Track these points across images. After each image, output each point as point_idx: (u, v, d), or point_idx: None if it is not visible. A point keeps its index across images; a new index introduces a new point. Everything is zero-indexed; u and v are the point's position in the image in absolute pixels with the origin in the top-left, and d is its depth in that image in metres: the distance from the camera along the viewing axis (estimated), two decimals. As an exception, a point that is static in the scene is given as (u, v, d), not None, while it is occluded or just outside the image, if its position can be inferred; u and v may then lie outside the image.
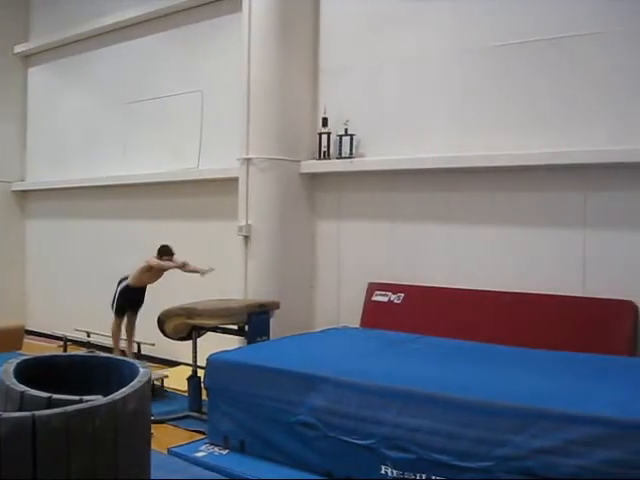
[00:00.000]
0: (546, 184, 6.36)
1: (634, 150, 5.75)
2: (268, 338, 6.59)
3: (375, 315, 7.03)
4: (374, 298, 7.12)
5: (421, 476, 4.33)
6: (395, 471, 4.44)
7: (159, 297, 7.60)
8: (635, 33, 5.91)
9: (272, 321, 6.76)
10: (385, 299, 7.03)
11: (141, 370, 2.72)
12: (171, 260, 7.71)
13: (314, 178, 7.77)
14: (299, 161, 7.60)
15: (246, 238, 7.46)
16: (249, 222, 7.39)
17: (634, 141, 5.80)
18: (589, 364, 5.14)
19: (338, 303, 7.60)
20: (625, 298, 5.89)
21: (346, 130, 7.41)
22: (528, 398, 4.22)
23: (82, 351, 8.86)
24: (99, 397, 2.37)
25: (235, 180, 7.67)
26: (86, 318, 9.77)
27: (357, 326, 7.08)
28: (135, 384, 2.53)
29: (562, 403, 4.11)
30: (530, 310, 6.20)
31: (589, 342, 5.80)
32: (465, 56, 6.78)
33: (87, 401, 2.32)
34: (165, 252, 7.72)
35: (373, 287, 7.19)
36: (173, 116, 9.20)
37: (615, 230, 6.05)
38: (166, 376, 7.39)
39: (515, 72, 6.52)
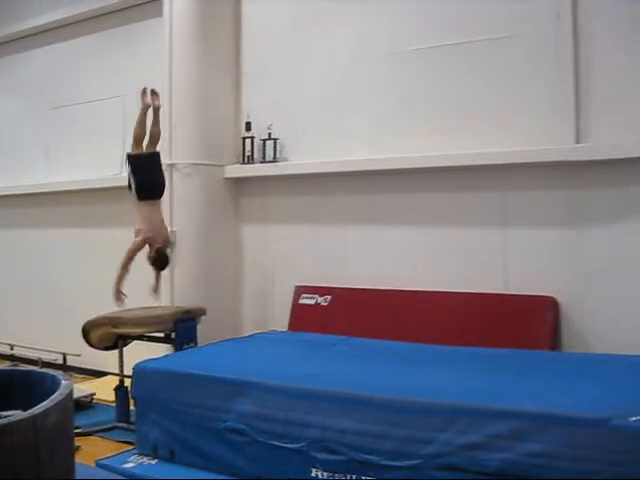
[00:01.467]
0: (467, 184, 6.49)
1: (548, 150, 5.93)
2: (195, 345, 6.53)
3: (303, 318, 7.05)
4: (301, 301, 7.15)
5: (351, 477, 4.36)
6: (325, 473, 4.45)
7: (82, 307, 7.45)
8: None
9: (199, 327, 6.71)
10: (312, 302, 7.06)
11: (63, 382, 2.67)
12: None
13: (239, 183, 7.75)
14: (223, 166, 7.58)
15: (171, 244, 7.38)
16: (174, 228, 7.33)
17: (548, 141, 5.98)
18: (512, 360, 5.25)
19: (266, 307, 7.60)
20: (546, 294, 6.07)
21: (270, 134, 7.42)
22: (452, 395, 4.29)
23: (5, 364, 8.65)
24: (18, 412, 2.31)
25: (160, 185, 7.58)
26: (9, 330, 9.52)
27: (285, 330, 7.09)
28: (56, 397, 2.48)
29: (485, 399, 4.20)
30: (454, 308, 6.32)
31: (512, 338, 5.92)
32: (386, 59, 6.87)
33: (5, 417, 2.26)
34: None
35: (300, 290, 7.21)
36: (97, 122, 9.04)
37: (534, 228, 6.22)
38: (93, 394, 7.26)
39: (435, 74, 6.64)
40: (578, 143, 5.94)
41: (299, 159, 7.31)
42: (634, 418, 3.75)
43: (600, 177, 5.92)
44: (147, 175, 6.56)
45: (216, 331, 6.86)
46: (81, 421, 6.16)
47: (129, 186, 6.58)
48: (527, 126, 6.17)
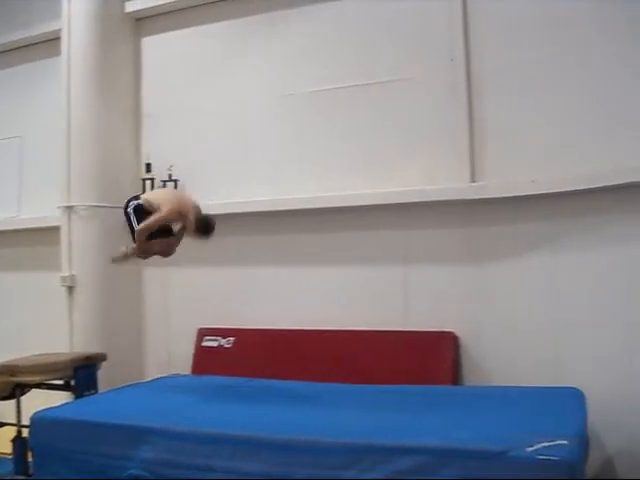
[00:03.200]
0: (368, 223, 6.62)
1: (445, 189, 6.13)
2: (96, 392, 6.35)
3: (206, 361, 6.96)
4: (204, 344, 7.06)
5: (256, 520, 4.32)
6: (232, 518, 4.39)
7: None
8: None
9: (100, 373, 6.54)
10: (215, 344, 6.99)
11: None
12: None
13: (140, 224, 7.64)
14: (123, 208, 7.47)
15: (70, 289, 7.21)
16: (73, 272, 7.15)
17: (445, 181, 6.16)
18: (414, 395, 5.32)
19: (169, 351, 7.48)
20: (446, 329, 6.20)
21: (170, 175, 7.38)
22: (356, 433, 4.31)
23: None
24: None
25: (57, 229, 7.42)
26: None
27: (189, 373, 6.99)
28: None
29: (388, 436, 4.24)
30: (356, 346, 6.37)
31: (415, 374, 6.02)
32: (287, 100, 6.99)
33: None
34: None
35: (202, 332, 7.13)
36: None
37: (434, 265, 6.37)
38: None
39: (334, 115, 6.80)
40: (474, 182, 6.14)
41: (201, 200, 7.25)
42: (531, 448, 3.86)
43: (495, 214, 6.13)
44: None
45: (118, 377, 6.69)
46: (-24, 475, 5.89)
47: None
48: (425, 166, 6.35)
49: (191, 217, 5.52)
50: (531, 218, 6.00)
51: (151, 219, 5.40)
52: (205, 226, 5.61)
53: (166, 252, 5.79)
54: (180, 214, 5.55)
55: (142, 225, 5.38)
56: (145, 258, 5.87)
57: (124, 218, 5.58)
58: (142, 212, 5.47)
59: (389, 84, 6.56)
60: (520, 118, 6.05)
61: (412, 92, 6.47)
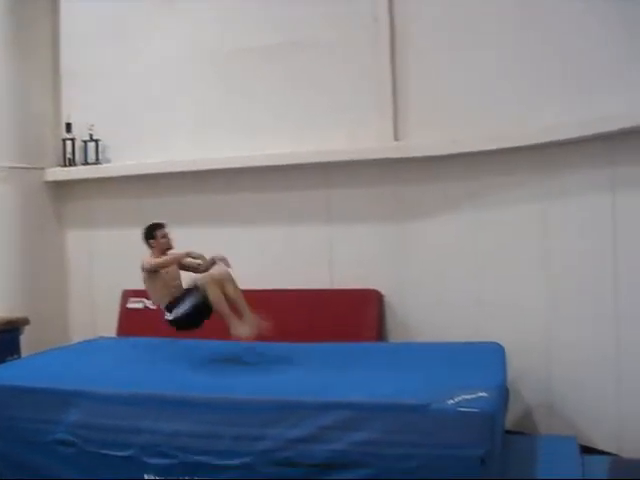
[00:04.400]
0: (291, 184, 6.65)
1: (368, 148, 6.19)
2: (19, 356, 6.27)
3: (131, 323, 6.92)
4: (129, 305, 7.02)
5: (184, 478, 4.33)
6: (157, 478, 4.39)
7: None
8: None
9: (23, 338, 6.44)
10: (140, 306, 6.94)
11: None
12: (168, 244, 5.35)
13: (60, 186, 7.50)
14: (43, 169, 7.30)
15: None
16: (-10, 234, 6.99)
17: (369, 141, 6.21)
18: (339, 353, 5.40)
19: (94, 314, 7.41)
20: (371, 287, 6.29)
21: (91, 135, 7.22)
22: (281, 391, 4.39)
23: None
24: None
25: (-26, 192, 7.22)
26: None
27: (114, 335, 6.93)
28: None
29: (313, 392, 4.32)
30: (282, 306, 6.40)
31: (340, 331, 6.10)
32: (208, 59, 6.94)
33: None
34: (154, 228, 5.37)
35: (127, 294, 7.07)
36: None
37: (358, 224, 6.45)
38: None
39: (257, 75, 6.77)
40: (397, 141, 6.19)
41: (123, 161, 7.16)
42: (452, 401, 3.98)
43: (417, 173, 6.22)
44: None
45: (42, 341, 6.59)
46: None
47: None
48: (349, 125, 6.36)
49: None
50: (452, 177, 6.10)
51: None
52: None
53: None
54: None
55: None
56: None
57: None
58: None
59: (312, 43, 6.54)
60: (443, 78, 6.11)
61: (335, 52, 6.48)
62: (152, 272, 5.22)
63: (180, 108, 7.02)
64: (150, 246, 5.32)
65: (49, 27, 7.58)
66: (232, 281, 5.26)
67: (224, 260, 5.34)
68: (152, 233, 5.32)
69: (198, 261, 5.39)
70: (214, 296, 5.03)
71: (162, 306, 5.25)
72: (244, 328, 5.10)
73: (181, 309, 5.15)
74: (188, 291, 5.21)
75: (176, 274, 5.36)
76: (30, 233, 7.18)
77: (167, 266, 5.25)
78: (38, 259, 7.26)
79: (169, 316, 5.23)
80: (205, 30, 6.96)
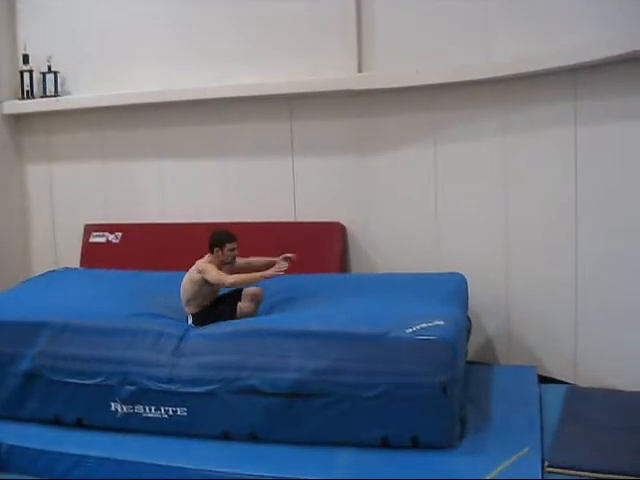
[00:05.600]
0: (254, 115, 6.56)
1: (332, 79, 6.10)
2: (-19, 291, 6.20)
3: (94, 256, 6.88)
4: (92, 240, 6.95)
5: (150, 408, 4.39)
6: (125, 406, 4.44)
7: None
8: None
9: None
10: (103, 240, 6.89)
11: None
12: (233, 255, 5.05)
13: (18, 120, 7.33)
14: (0, 102, 7.14)
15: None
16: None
17: (333, 72, 6.13)
18: (301, 284, 5.44)
19: (56, 248, 7.36)
20: (334, 220, 6.31)
21: (49, 67, 7.04)
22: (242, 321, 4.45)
23: None
24: None
25: None
26: None
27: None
28: None
29: (275, 321, 4.38)
30: (247, 238, 6.37)
31: (304, 264, 6.10)
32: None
33: None
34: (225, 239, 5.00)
35: (90, 228, 7.01)
36: None
37: (321, 156, 6.41)
38: None
39: (220, 4, 6.54)
40: (360, 72, 6.13)
41: (84, 93, 7.01)
42: (410, 330, 4.05)
43: (381, 106, 6.17)
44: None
45: (4, 277, 6.59)
46: None
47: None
48: (313, 58, 6.26)
49: None
50: (415, 109, 6.05)
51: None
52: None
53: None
54: None
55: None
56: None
57: None
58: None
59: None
60: (408, 9, 5.99)
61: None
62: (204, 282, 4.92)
63: (142, 38, 6.80)
64: (212, 253, 4.99)
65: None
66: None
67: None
68: (223, 243, 4.98)
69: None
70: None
71: (188, 312, 4.97)
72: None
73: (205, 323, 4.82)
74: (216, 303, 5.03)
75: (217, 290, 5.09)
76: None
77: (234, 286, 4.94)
78: (-2, 193, 7.16)
79: (191, 322, 4.93)
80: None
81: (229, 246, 4.95)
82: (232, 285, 4.86)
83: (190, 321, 4.89)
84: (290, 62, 6.30)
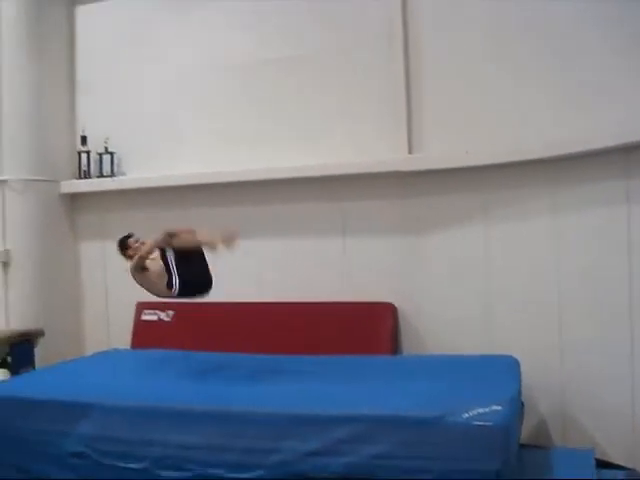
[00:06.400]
0: (305, 196, 6.65)
1: (383, 161, 6.18)
2: (34, 368, 6.28)
3: (145, 335, 6.93)
4: (143, 317, 7.03)
5: (196, 492, 4.33)
6: (170, 490, 4.40)
7: None
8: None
9: (38, 350, 6.46)
10: (154, 318, 6.96)
11: None
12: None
13: (75, 198, 7.53)
14: (58, 181, 7.34)
15: (4, 264, 7.07)
16: (7, 247, 7.01)
17: (383, 153, 6.22)
18: (352, 366, 5.39)
19: (108, 326, 7.42)
20: (385, 300, 6.28)
21: (106, 148, 7.26)
22: (295, 404, 4.38)
23: None
24: None
25: (-10, 203, 7.27)
26: None
27: (128, 347, 6.94)
28: None
29: (327, 405, 4.30)
30: (297, 318, 6.41)
31: (354, 344, 6.09)
32: (223, 72, 6.96)
33: None
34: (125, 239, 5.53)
35: (141, 306, 7.08)
36: None
37: (373, 236, 6.43)
38: None
39: (272, 87, 6.79)
40: (411, 154, 6.19)
41: (137, 173, 7.20)
42: (467, 414, 3.96)
43: (431, 185, 6.21)
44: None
45: (56, 353, 6.62)
46: None
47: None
48: (364, 139, 6.37)
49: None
50: (466, 189, 6.08)
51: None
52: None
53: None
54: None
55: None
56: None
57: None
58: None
59: (328, 56, 6.56)
60: (457, 93, 6.11)
61: (350, 64, 6.49)
62: (139, 271, 5.31)
63: (195, 120, 7.05)
64: (129, 257, 5.41)
65: (65, 40, 7.64)
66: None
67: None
68: (124, 244, 5.47)
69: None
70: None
71: (164, 292, 5.30)
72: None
73: (175, 279, 5.21)
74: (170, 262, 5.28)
75: (160, 268, 5.32)
76: (45, 245, 7.21)
77: (148, 254, 5.31)
78: (53, 271, 7.29)
79: (175, 292, 5.27)
80: (221, 41, 6.98)
81: (132, 240, 5.45)
82: (142, 254, 5.23)
83: (172, 292, 5.21)
84: (340, 143, 6.42)
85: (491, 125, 5.90)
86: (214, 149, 6.90)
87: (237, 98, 6.91)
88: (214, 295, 6.75)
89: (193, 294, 5.47)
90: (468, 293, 6.08)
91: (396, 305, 6.29)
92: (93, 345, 7.25)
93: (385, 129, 6.30)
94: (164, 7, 7.28)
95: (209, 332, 6.66)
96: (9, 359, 6.21)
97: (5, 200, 7.13)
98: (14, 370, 6.16)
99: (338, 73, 6.53)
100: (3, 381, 5.84)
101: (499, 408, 4.05)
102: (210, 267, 5.36)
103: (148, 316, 7.01)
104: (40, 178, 7.20)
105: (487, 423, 3.91)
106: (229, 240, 5.28)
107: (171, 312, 6.94)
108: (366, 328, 6.18)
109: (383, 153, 6.23)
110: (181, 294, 5.30)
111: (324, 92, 6.56)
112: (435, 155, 6.08)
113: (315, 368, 5.32)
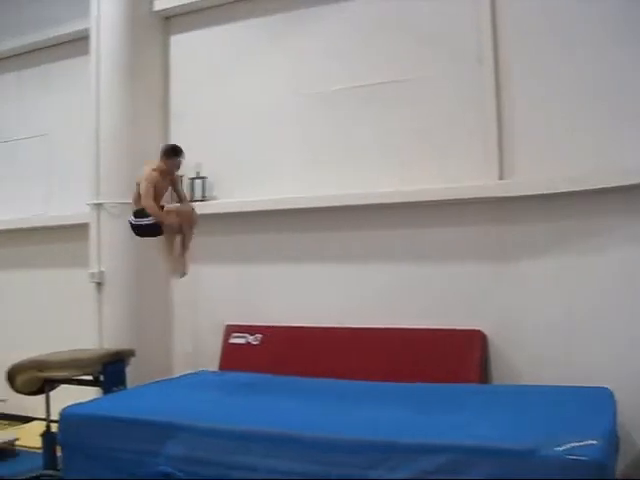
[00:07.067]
0: (393, 221, 6.62)
1: (474, 187, 6.10)
2: (124, 387, 6.40)
3: (234, 358, 7.00)
4: (232, 340, 7.10)
5: (286, 518, 4.32)
6: (259, 516, 4.40)
7: (6, 350, 7.20)
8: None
9: (128, 369, 6.58)
10: (243, 341, 7.02)
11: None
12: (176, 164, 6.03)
13: (165, 222, 7.68)
14: (152, 205, 7.51)
15: (99, 285, 7.27)
16: (102, 268, 7.21)
17: (474, 179, 6.15)
18: (441, 394, 5.31)
19: (196, 347, 7.52)
20: (474, 328, 6.17)
21: (198, 173, 7.40)
22: (384, 432, 4.31)
23: None
24: None
25: (86, 226, 7.48)
26: None
27: (216, 369, 7.01)
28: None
29: (415, 434, 4.23)
30: (383, 344, 6.36)
31: (442, 372, 5.99)
32: (313, 98, 7.02)
33: None
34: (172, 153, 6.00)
35: (230, 329, 7.16)
36: (19, 161, 8.88)
37: (462, 263, 6.34)
38: (17, 439, 7.03)
39: (363, 113, 6.80)
40: (502, 179, 6.10)
41: (228, 198, 7.31)
42: (560, 448, 3.82)
43: (523, 212, 6.10)
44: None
45: (146, 373, 6.74)
46: (3, 470, 5.94)
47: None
48: (453, 165, 6.31)
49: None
50: (558, 216, 5.96)
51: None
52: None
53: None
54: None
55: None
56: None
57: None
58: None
59: (416, 81, 6.55)
60: (550, 117, 6.01)
61: (439, 89, 6.46)
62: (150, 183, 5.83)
63: (284, 146, 7.14)
64: (161, 160, 5.95)
65: (160, 69, 7.87)
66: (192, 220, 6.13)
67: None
68: (170, 155, 5.97)
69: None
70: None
71: (133, 209, 5.97)
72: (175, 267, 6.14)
73: (145, 221, 5.86)
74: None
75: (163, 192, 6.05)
76: (139, 266, 7.36)
77: (151, 210, 5.80)
78: (146, 292, 7.45)
79: (133, 220, 5.97)
80: (309, 68, 7.08)
81: (177, 160, 5.98)
82: (147, 205, 5.76)
83: (131, 217, 5.96)
84: (430, 168, 6.38)
85: (585, 149, 5.79)
86: (304, 175, 6.96)
87: (324, 125, 6.98)
88: (301, 320, 6.85)
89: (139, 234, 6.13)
90: (563, 322, 5.91)
91: (486, 333, 6.17)
92: (181, 366, 7.38)
93: (475, 154, 6.23)
94: (252, 36, 7.43)
95: (295, 356, 6.68)
96: (101, 378, 6.32)
97: (100, 223, 7.32)
98: (106, 389, 6.27)
99: (428, 98, 6.49)
100: (96, 400, 5.96)
101: (594, 442, 3.90)
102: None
103: (236, 339, 7.08)
104: (135, 202, 7.38)
105: (582, 457, 3.76)
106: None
107: (259, 336, 6.99)
108: (454, 356, 6.08)
109: (473, 179, 6.16)
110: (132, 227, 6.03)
111: (415, 117, 6.53)
112: (526, 180, 5.97)
113: (404, 395, 5.26)
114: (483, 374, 6.10)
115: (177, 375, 6.93)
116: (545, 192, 5.86)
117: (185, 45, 7.86)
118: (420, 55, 6.57)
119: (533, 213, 6.07)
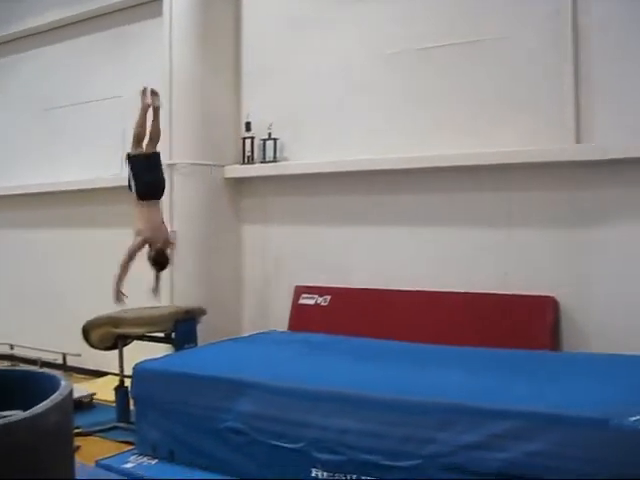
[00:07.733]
0: (468, 185, 6.49)
1: (549, 150, 5.95)
2: (195, 345, 6.52)
3: (302, 318, 7.05)
4: (301, 301, 7.14)
5: (351, 477, 4.34)
6: (325, 473, 4.44)
7: (83, 307, 7.39)
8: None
9: (199, 328, 6.70)
10: (312, 302, 7.05)
11: (62, 383, 2.66)
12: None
13: (239, 183, 7.74)
14: (223, 166, 7.57)
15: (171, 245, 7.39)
16: (174, 228, 7.32)
17: (549, 142, 5.99)
18: (512, 360, 5.25)
19: (266, 307, 7.60)
20: (547, 294, 6.06)
21: (270, 134, 7.42)
22: (453, 395, 4.30)
23: (4, 364, 8.64)
24: (18, 412, 2.31)
25: (159, 186, 7.58)
26: (9, 330, 9.48)
27: (285, 330, 7.09)
28: (56, 397, 2.47)
29: (485, 398, 4.20)
30: (454, 308, 6.30)
31: (513, 338, 5.92)
32: (387, 58, 6.89)
33: (4, 417, 2.25)
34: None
35: (299, 290, 7.21)
36: (96, 122, 9.04)
37: (535, 228, 6.21)
38: (94, 393, 7.27)
39: (435, 74, 6.66)
40: (579, 143, 5.94)
41: (300, 159, 7.31)
42: (634, 418, 3.74)
43: (601, 177, 5.92)
44: (147, 175, 6.56)
45: (216, 331, 6.85)
46: (81, 421, 6.15)
47: (129, 187, 6.60)
48: (528, 126, 6.17)
49: (153, 251, 6.43)
50: (635, 182, 5.77)
51: (129, 247, 6.40)
52: (160, 261, 6.48)
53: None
54: (149, 245, 6.44)
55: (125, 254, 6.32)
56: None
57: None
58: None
59: (489, 41, 6.37)
60: (630, 77, 5.79)
61: (514, 49, 6.27)
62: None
63: (356, 106, 7.06)
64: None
65: (232, 29, 7.85)
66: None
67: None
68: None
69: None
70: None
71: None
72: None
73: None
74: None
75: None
76: (209, 227, 7.47)
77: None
78: (217, 252, 7.54)
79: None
80: (383, 28, 6.95)
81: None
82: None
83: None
84: (504, 132, 6.24)
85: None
86: (375, 136, 6.88)
87: (398, 86, 6.85)
88: (371, 282, 6.83)
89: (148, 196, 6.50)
90: (635, 290, 5.75)
91: (558, 299, 6.06)
92: (251, 325, 7.48)
93: (552, 116, 6.06)
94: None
95: (363, 318, 6.68)
96: (173, 335, 6.45)
97: (173, 183, 7.41)
98: (178, 346, 6.40)
99: (502, 59, 6.32)
100: (167, 356, 6.09)
101: (668, 414, 3.82)
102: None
103: (306, 300, 7.12)
104: (206, 162, 7.45)
105: (655, 428, 3.69)
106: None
107: (328, 297, 7.01)
108: (526, 322, 5.99)
109: (549, 142, 6.00)
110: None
111: (487, 79, 6.39)
112: (605, 145, 5.77)
113: (473, 360, 5.22)
114: (555, 341, 6.00)
115: (246, 334, 7.03)
116: (622, 157, 5.67)
117: (257, 4, 7.81)
118: (498, 12, 6.37)
119: (610, 179, 5.89)
